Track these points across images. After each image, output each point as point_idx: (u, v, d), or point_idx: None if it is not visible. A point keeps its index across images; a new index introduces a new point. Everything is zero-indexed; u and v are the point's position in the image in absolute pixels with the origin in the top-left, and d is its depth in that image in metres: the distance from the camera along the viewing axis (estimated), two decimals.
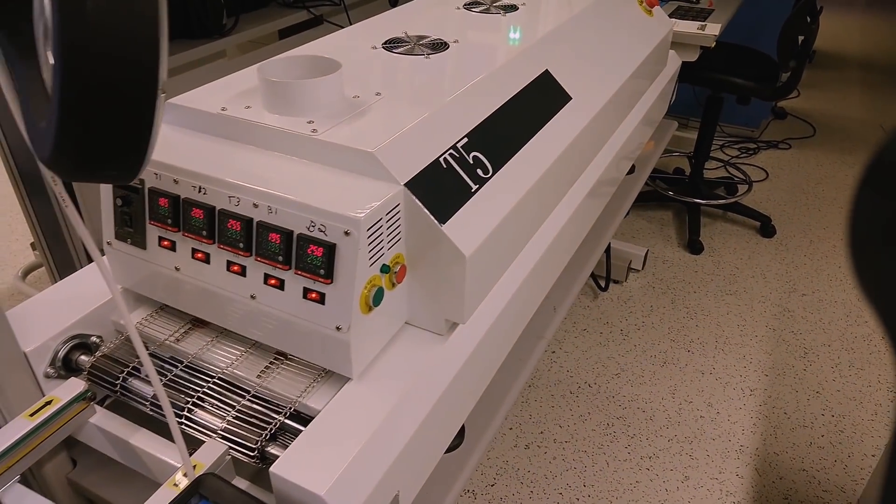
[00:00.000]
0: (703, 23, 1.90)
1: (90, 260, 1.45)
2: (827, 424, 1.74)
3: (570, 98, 1.04)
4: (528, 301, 0.96)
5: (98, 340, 0.82)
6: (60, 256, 1.48)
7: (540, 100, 0.98)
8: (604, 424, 1.74)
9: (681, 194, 2.58)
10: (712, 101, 2.41)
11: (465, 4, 1.24)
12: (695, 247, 2.43)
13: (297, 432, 0.71)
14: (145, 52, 0.34)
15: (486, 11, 1.20)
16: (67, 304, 0.82)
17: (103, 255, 0.76)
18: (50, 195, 1.32)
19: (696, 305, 2.18)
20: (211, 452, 0.66)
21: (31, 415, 0.70)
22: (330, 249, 0.66)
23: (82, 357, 0.80)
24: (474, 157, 0.81)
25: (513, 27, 1.11)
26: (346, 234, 0.65)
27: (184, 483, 0.63)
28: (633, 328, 2.08)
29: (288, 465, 0.63)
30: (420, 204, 0.70)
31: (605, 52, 1.23)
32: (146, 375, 0.77)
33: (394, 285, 0.74)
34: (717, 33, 1.85)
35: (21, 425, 0.69)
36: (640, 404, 1.81)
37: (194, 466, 0.65)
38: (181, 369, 0.78)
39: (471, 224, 0.74)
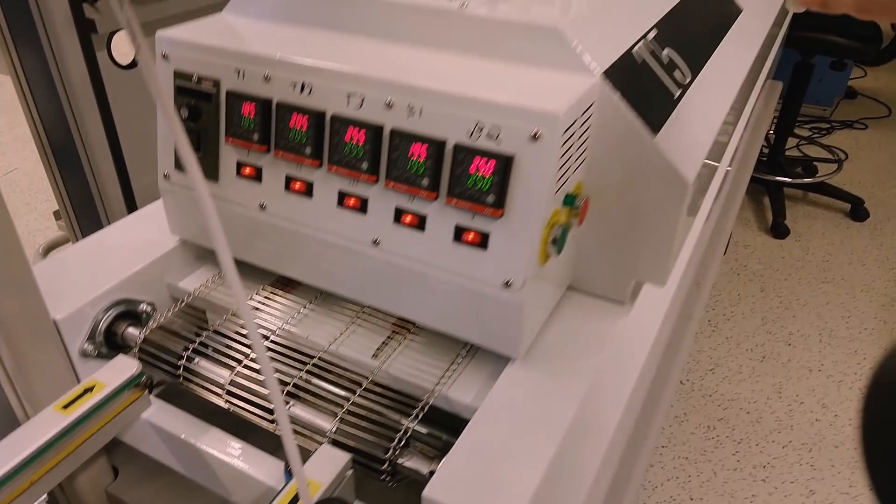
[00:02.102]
0: None
1: None
2: None
3: (740, 10, 0.82)
4: (698, 257, 0.74)
5: (149, 309, 0.61)
6: (89, 227, 1.28)
7: (715, 6, 0.76)
8: (704, 427, 1.51)
9: (761, 173, 2.34)
10: (801, 67, 2.17)
11: None
12: (779, 230, 2.19)
13: (442, 438, 0.49)
14: None
15: None
16: (112, 260, 0.61)
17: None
18: (82, 161, 1.12)
19: (789, 294, 1.94)
20: (328, 464, 0.45)
21: (66, 406, 0.48)
22: (505, 164, 0.44)
23: (130, 330, 0.59)
24: (668, 55, 0.59)
25: None
26: (534, 138, 0.43)
27: None
28: (722, 318, 1.85)
29: (450, 487, 0.41)
30: (625, 105, 0.48)
31: None
32: (224, 351, 0.56)
33: (571, 227, 0.52)
34: None
35: (52, 421, 0.47)
36: (743, 404, 1.57)
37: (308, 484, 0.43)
38: (266, 345, 0.56)
39: (683, 140, 0.52)
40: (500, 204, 0.45)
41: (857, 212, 2.28)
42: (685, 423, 1.53)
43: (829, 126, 2.94)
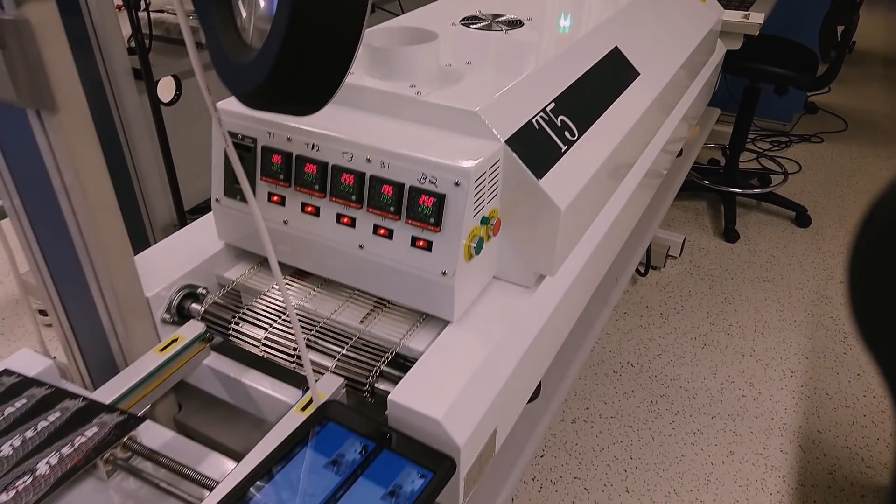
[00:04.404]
0: (747, 11, 1.94)
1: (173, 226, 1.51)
2: (869, 405, 1.77)
3: (638, 73, 1.09)
4: (603, 259, 1.01)
5: (204, 292, 0.89)
6: (134, 228, 1.55)
7: (613, 73, 1.03)
8: (647, 402, 1.79)
9: (716, 184, 2.61)
10: (750, 91, 2.44)
11: None
12: (730, 235, 2.46)
13: (402, 370, 0.76)
14: None
15: None
16: (179, 257, 0.89)
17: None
18: (129, 168, 1.39)
19: (733, 291, 2.21)
20: (330, 384, 0.72)
21: (162, 349, 0.76)
22: (440, 199, 0.72)
23: (193, 305, 0.86)
24: (561, 120, 0.86)
25: (582, 6, 1.16)
26: (456, 184, 0.71)
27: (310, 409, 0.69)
28: (672, 312, 2.12)
29: (404, 393, 0.68)
30: (519, 160, 0.76)
31: (665, 34, 1.27)
32: (257, 318, 0.83)
33: (489, 238, 0.79)
34: (761, 21, 1.88)
35: (154, 358, 0.75)
36: (682, 383, 1.85)
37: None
38: (287, 316, 0.83)
39: (563, 181, 0.80)
40: (437, 224, 0.73)
41: (802, 219, 2.55)
42: (632, 398, 1.80)
43: (787, 140, 3.22)
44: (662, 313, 2.11)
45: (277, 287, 0.88)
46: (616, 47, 1.08)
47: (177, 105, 1.40)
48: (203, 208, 1.53)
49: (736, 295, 2.19)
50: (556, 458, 1.62)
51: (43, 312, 1.93)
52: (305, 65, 0.44)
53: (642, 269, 2.28)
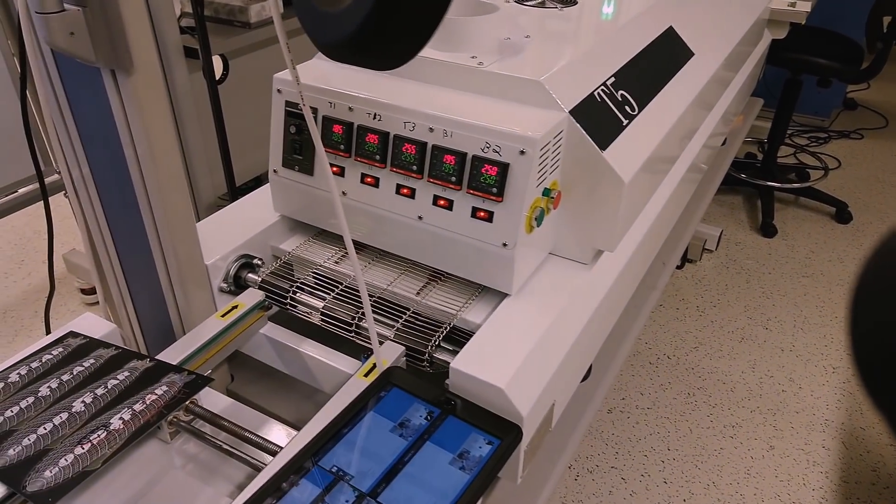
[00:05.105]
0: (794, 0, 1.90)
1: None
2: None
3: (692, 53, 1.07)
4: (654, 242, 1.00)
5: (260, 262, 0.89)
6: None
7: (668, 52, 1.02)
8: (685, 394, 1.77)
9: (753, 178, 2.57)
10: (791, 83, 2.40)
11: None
12: (768, 230, 2.42)
13: (459, 342, 0.76)
14: None
15: None
16: (234, 228, 0.89)
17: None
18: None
19: (771, 286, 2.18)
20: (391, 352, 0.72)
21: (223, 315, 0.76)
22: (504, 168, 0.71)
23: (250, 275, 0.87)
24: (622, 95, 0.85)
25: None
26: (522, 153, 0.70)
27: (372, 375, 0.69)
28: (709, 305, 2.09)
29: (466, 362, 0.68)
30: (583, 131, 0.75)
31: (717, 17, 1.25)
32: (313, 288, 0.83)
33: (549, 211, 0.78)
34: (808, 10, 1.84)
35: (216, 324, 0.76)
36: (720, 376, 1.82)
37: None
38: (343, 287, 0.84)
39: (625, 154, 0.79)
40: (500, 194, 0.72)
41: (842, 215, 2.50)
42: (668, 390, 1.78)
43: (826, 136, 3.15)
44: (699, 306, 2.08)
45: (336, 261, 0.88)
46: (671, 27, 1.07)
47: (223, 85, 1.41)
48: (244, 189, 1.54)
49: (774, 290, 2.16)
50: (592, 447, 1.61)
51: (85, 291, 1.97)
52: (399, 15, 0.44)
53: (679, 263, 2.25)
